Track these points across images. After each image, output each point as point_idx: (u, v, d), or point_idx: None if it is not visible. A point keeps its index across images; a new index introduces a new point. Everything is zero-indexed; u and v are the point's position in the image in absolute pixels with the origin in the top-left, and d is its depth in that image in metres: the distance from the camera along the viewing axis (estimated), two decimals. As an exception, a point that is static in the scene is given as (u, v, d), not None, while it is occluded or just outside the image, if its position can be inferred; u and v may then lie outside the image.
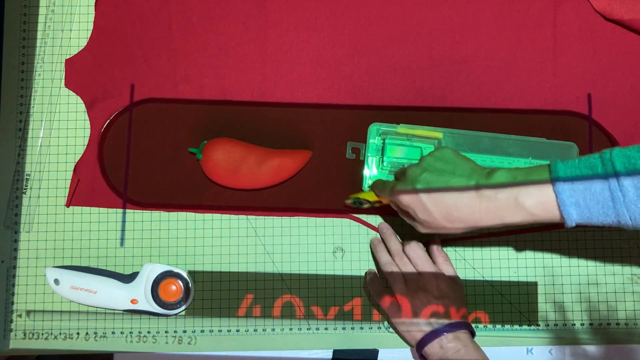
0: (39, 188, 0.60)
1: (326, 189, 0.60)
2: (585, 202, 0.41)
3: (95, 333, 0.59)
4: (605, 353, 0.59)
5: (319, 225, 0.60)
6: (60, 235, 0.60)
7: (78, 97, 0.61)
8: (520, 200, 0.43)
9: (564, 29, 0.62)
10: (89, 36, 0.62)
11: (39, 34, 0.62)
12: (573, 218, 0.42)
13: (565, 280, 0.60)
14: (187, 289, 0.58)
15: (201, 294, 0.59)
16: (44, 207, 0.60)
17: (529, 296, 0.59)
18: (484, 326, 0.59)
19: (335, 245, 0.60)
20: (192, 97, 0.61)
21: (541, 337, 0.59)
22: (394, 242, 0.58)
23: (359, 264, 0.60)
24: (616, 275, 0.60)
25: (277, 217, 0.60)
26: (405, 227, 0.60)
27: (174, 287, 0.58)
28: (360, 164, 0.61)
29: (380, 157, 0.60)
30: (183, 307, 0.58)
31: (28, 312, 0.59)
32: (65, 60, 0.62)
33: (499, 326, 0.59)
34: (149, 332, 0.59)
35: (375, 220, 0.60)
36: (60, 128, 0.61)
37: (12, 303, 0.59)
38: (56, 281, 0.57)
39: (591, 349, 0.59)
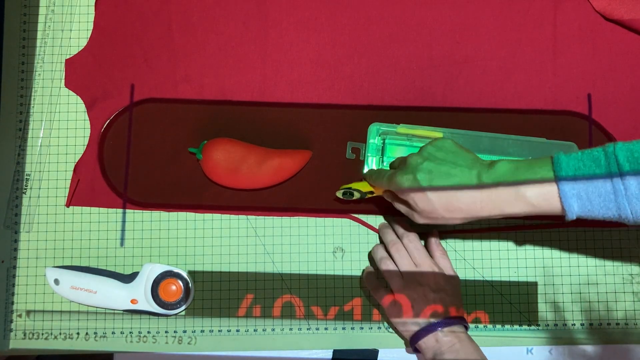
0: (39, 188, 0.60)
1: (326, 189, 0.60)
2: (587, 194, 0.41)
3: (95, 333, 0.59)
4: (604, 353, 0.59)
5: (319, 225, 0.60)
6: (60, 235, 0.60)
7: (78, 97, 0.61)
8: (522, 191, 0.43)
9: (564, 29, 0.62)
10: (89, 36, 0.62)
11: (39, 34, 0.62)
12: (574, 210, 0.42)
13: (565, 280, 0.60)
14: (187, 289, 0.58)
15: (201, 294, 0.59)
16: (44, 207, 0.60)
17: (528, 296, 0.59)
18: (484, 326, 0.59)
19: (335, 245, 0.60)
20: (192, 97, 0.61)
21: (541, 337, 0.59)
22: (390, 233, 0.57)
23: (359, 264, 0.60)
24: (616, 275, 0.60)
25: (277, 217, 0.60)
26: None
27: (174, 287, 0.58)
28: (360, 164, 0.61)
29: (380, 157, 0.60)
30: (183, 307, 0.58)
31: (28, 312, 0.59)
32: (65, 60, 0.62)
33: (499, 326, 0.59)
34: (149, 332, 0.59)
35: (376, 221, 0.60)
36: (60, 128, 0.61)
37: (12, 303, 0.59)
38: (56, 281, 0.57)
39: (591, 349, 0.59)
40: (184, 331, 0.59)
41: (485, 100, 0.61)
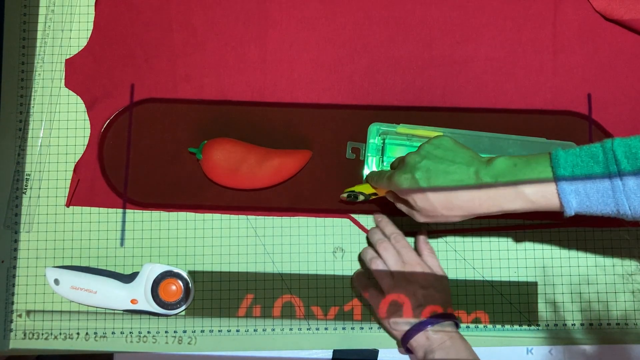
0: (39, 188, 0.60)
1: (326, 189, 0.60)
2: (585, 190, 0.41)
3: (95, 333, 0.59)
4: (604, 353, 0.59)
5: (319, 225, 0.60)
6: (60, 235, 0.60)
7: (78, 97, 0.61)
8: (520, 187, 0.43)
9: (564, 29, 0.62)
10: (89, 36, 0.62)
11: (39, 34, 0.62)
12: (572, 206, 0.42)
13: (565, 280, 0.60)
14: (187, 289, 0.58)
15: (201, 294, 0.59)
16: (44, 207, 0.60)
17: (528, 296, 0.59)
18: (484, 326, 0.59)
19: (335, 245, 0.60)
20: (192, 97, 0.61)
21: (541, 337, 0.59)
22: (377, 233, 0.58)
23: (359, 264, 0.60)
24: (616, 275, 0.60)
25: (277, 217, 0.60)
26: (405, 221, 0.60)
27: (174, 287, 0.58)
28: (360, 164, 0.61)
29: (380, 157, 0.60)
30: (183, 307, 0.58)
31: (28, 312, 0.59)
32: (65, 60, 0.62)
33: (499, 326, 0.59)
34: (149, 332, 0.59)
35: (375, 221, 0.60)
36: (60, 128, 0.61)
37: (12, 303, 0.59)
38: (56, 281, 0.57)
39: (591, 348, 0.59)
40: (184, 331, 0.59)
41: (485, 100, 0.61)
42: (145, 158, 0.61)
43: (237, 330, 0.59)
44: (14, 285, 0.59)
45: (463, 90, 0.62)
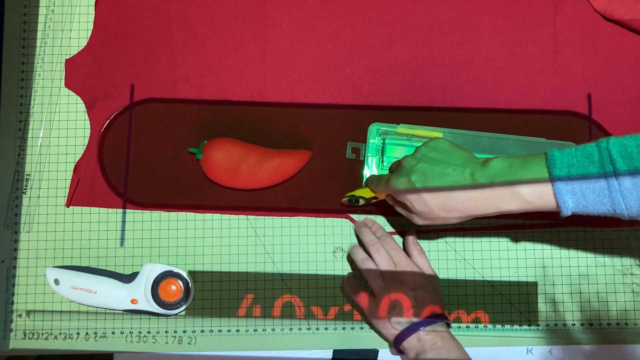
0: (39, 188, 0.60)
1: (326, 189, 0.60)
2: (581, 190, 0.41)
3: (95, 333, 0.59)
4: (604, 353, 0.59)
5: (318, 225, 0.60)
6: (60, 235, 0.60)
7: (78, 97, 0.61)
8: (516, 188, 0.43)
9: (564, 29, 0.62)
10: (89, 36, 0.62)
11: (39, 34, 0.62)
12: (569, 206, 0.42)
13: (565, 280, 0.60)
14: (187, 289, 0.58)
15: (201, 294, 0.59)
16: (44, 207, 0.60)
17: (528, 296, 0.59)
18: (484, 326, 0.59)
19: (335, 245, 0.60)
20: (192, 97, 0.61)
21: (541, 337, 0.59)
22: (369, 233, 0.57)
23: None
24: (616, 275, 0.60)
25: (277, 217, 0.60)
26: (404, 222, 0.60)
27: (174, 287, 0.58)
28: (360, 164, 0.61)
29: (380, 157, 0.60)
30: (183, 307, 0.58)
31: (28, 312, 0.59)
32: (65, 60, 0.62)
33: (499, 326, 0.59)
34: (149, 332, 0.59)
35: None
36: (60, 128, 0.61)
37: (12, 303, 0.59)
38: (56, 281, 0.57)
39: (591, 348, 0.59)
40: (184, 331, 0.59)
41: (485, 100, 0.61)
42: (145, 158, 0.61)
43: (237, 330, 0.59)
44: (14, 285, 0.59)
45: (463, 90, 0.62)
